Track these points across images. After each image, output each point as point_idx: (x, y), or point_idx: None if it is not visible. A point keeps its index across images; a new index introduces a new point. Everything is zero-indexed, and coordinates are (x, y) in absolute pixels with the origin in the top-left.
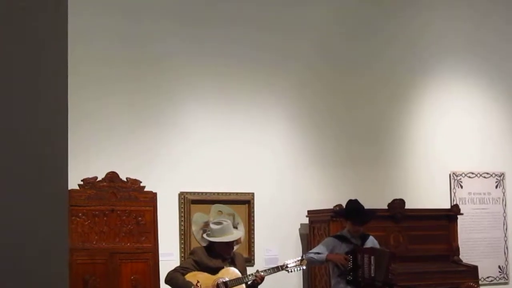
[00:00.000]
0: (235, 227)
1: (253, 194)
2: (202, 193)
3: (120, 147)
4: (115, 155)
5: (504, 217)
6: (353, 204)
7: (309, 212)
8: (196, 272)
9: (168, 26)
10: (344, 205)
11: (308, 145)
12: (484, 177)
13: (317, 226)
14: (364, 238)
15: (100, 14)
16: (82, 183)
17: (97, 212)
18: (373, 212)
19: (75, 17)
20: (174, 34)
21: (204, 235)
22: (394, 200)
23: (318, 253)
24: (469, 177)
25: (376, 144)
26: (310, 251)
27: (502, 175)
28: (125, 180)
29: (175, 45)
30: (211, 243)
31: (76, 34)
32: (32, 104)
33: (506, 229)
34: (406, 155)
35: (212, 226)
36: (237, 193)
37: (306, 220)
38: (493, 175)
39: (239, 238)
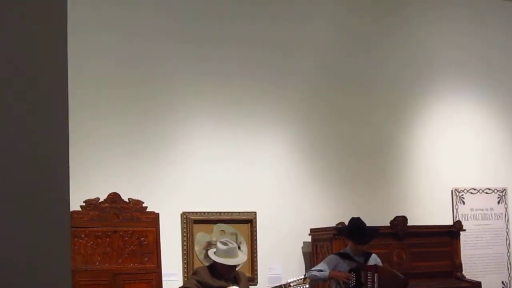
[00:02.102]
0: (239, 248)
1: (255, 213)
2: (204, 212)
3: (121, 168)
4: (117, 176)
5: (507, 233)
6: (355, 223)
7: (312, 230)
8: None
9: (167, 46)
10: (346, 223)
11: (310, 163)
12: (486, 193)
13: (320, 244)
14: (367, 256)
15: (99, 34)
16: (84, 204)
17: (99, 233)
18: (375, 231)
19: (73, 37)
20: (174, 54)
21: (210, 252)
22: (396, 217)
23: (320, 270)
24: (471, 193)
25: (377, 161)
26: (313, 268)
27: (504, 190)
28: (127, 201)
29: (175, 65)
30: (214, 263)
31: (76, 55)
32: (32, 126)
33: (509, 245)
34: (408, 172)
35: (219, 245)
36: (239, 213)
37: (308, 238)
38: (495, 191)
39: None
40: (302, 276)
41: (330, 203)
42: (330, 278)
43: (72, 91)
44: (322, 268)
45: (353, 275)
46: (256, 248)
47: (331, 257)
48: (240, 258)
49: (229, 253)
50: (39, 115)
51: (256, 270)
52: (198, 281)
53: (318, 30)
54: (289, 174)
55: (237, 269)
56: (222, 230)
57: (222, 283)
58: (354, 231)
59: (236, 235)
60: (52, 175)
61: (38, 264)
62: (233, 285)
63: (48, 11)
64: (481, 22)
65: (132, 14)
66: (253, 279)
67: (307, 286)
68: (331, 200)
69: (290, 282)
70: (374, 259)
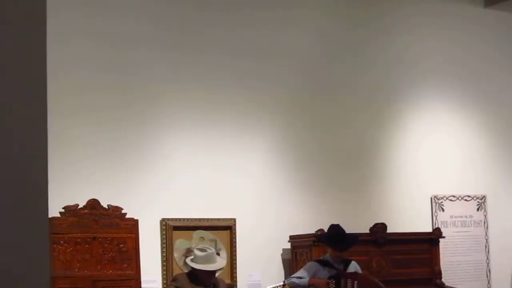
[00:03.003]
0: (218, 254)
1: (234, 220)
2: (183, 219)
3: (101, 174)
4: (96, 183)
5: (486, 240)
6: (335, 230)
7: (291, 237)
8: None
9: (149, 53)
10: (326, 230)
11: (289, 170)
12: (466, 200)
13: (299, 251)
14: (347, 263)
15: (81, 41)
16: (63, 210)
17: (79, 240)
18: (355, 237)
19: (55, 44)
20: (155, 62)
21: (187, 260)
22: (376, 224)
23: (300, 277)
24: (451, 200)
25: (357, 168)
26: (292, 276)
27: (483, 198)
28: (106, 207)
29: (156, 72)
30: (193, 269)
31: (57, 62)
32: (10, 132)
33: (488, 252)
34: (388, 179)
35: (196, 252)
36: (219, 219)
37: (288, 245)
38: (474, 198)
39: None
40: (282, 283)
41: (310, 210)
42: (309, 285)
43: (51, 98)
44: (302, 275)
45: (332, 282)
46: (235, 254)
47: (310, 264)
48: (219, 264)
49: (207, 259)
50: (18, 121)
51: (236, 276)
52: None
53: (300, 37)
54: (269, 181)
55: (216, 275)
56: (202, 237)
57: None
58: (334, 238)
59: (215, 241)
60: (31, 181)
61: (17, 270)
62: None
63: (28, 18)
64: (461, 29)
65: (114, 21)
66: (233, 286)
67: None
68: (311, 207)
69: None
70: (354, 266)
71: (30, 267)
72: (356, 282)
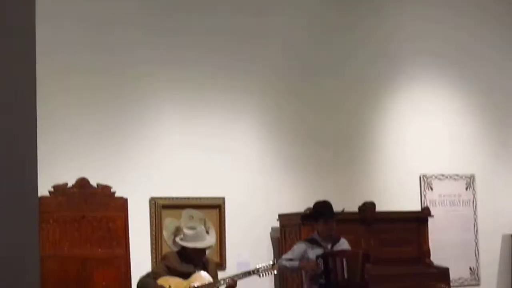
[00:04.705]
0: (207, 232)
1: (223, 198)
2: (173, 198)
3: (90, 154)
4: (86, 162)
5: (475, 219)
6: (320, 202)
7: (280, 216)
8: (167, 277)
9: (135, 35)
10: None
11: (279, 150)
12: (454, 179)
13: (288, 229)
14: (336, 240)
15: (67, 24)
16: (52, 190)
17: (68, 219)
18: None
19: (41, 26)
20: (141, 44)
21: (177, 239)
22: (365, 203)
23: (290, 259)
24: (439, 179)
25: (346, 147)
26: (283, 258)
27: (472, 177)
28: (95, 186)
29: (145, 53)
30: (183, 248)
31: (43, 44)
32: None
33: (477, 231)
34: (376, 158)
35: (185, 230)
36: (208, 198)
37: (277, 224)
38: (463, 177)
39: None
40: (271, 262)
41: (299, 189)
42: (299, 268)
43: (40, 80)
44: (292, 256)
45: (320, 260)
46: (224, 233)
47: (299, 245)
48: (209, 241)
49: (197, 237)
50: (7, 103)
51: (225, 255)
52: (167, 266)
53: (288, 18)
54: (258, 160)
55: (207, 253)
56: (191, 216)
57: (191, 268)
58: (320, 208)
59: (204, 220)
60: (20, 162)
61: (6, 249)
62: (201, 271)
63: (16, 1)
64: (454, 9)
65: (97, 3)
66: (221, 264)
67: (275, 272)
68: (300, 186)
69: (259, 268)
70: (343, 244)
71: (19, 247)
72: (344, 259)
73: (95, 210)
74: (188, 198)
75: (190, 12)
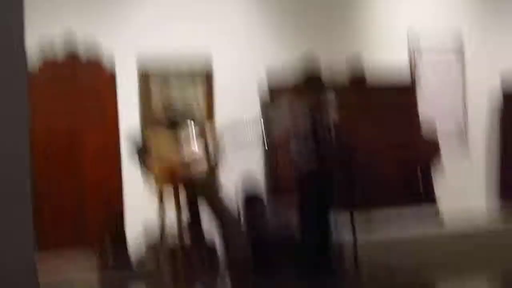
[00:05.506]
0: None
1: (211, 66)
2: (161, 68)
3: (78, 8)
4: (74, 16)
5: (463, 78)
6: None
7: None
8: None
9: None
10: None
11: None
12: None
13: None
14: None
15: None
16: (42, 64)
17: (56, 92)
18: None
19: None
20: None
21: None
22: (356, 78)
23: None
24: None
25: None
26: None
27: (459, 28)
28: (85, 61)
29: None
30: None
31: None
32: None
33: (465, 86)
34: (365, 13)
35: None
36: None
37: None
38: (451, 29)
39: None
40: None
41: (289, 37)
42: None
43: None
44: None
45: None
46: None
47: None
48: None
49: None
50: None
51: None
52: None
53: None
54: (246, 16)
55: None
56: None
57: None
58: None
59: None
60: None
61: None
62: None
63: None
64: None
65: None
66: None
67: None
68: (290, 35)
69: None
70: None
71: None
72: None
73: (84, 83)
74: (177, 66)
75: None
